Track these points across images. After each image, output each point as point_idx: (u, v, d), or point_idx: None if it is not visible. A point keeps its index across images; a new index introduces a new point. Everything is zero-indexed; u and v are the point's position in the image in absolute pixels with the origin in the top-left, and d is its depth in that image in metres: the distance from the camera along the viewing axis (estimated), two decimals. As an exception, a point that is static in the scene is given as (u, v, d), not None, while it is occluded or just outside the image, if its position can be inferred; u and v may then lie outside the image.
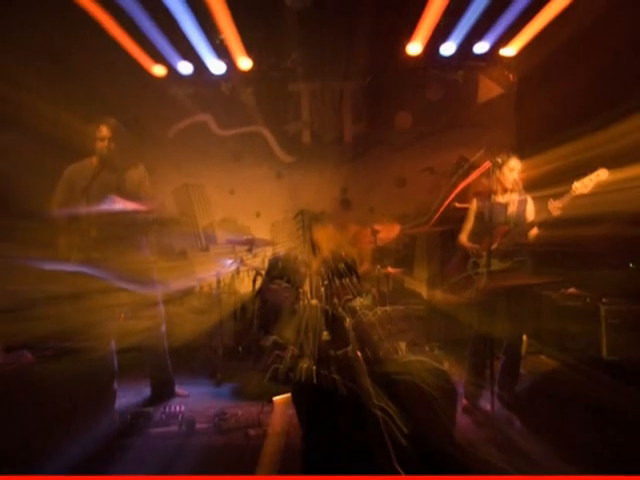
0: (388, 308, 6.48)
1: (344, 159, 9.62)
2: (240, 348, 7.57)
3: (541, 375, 6.54)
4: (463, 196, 6.63)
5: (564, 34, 6.88)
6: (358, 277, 6.05)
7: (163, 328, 5.98)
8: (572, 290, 7.27)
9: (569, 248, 6.35)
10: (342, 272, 5.87)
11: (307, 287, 6.36)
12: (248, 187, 9.59)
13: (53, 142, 6.16)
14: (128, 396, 5.96)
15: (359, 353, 4.81)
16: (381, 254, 8.00)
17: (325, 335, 5.32)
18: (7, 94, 6.04)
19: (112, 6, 6.95)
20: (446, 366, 6.43)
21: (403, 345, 6.72)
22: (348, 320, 5.47)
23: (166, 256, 8.66)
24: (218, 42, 8.30)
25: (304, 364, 4.52)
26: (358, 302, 6.06)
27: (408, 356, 5.61)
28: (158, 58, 8.50)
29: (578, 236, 5.94)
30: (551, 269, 6.49)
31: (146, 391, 6.08)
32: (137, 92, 8.67)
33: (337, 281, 5.82)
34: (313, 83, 9.52)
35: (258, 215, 9.62)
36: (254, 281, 7.81)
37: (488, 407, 5.37)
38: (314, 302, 5.80)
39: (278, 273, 6.77)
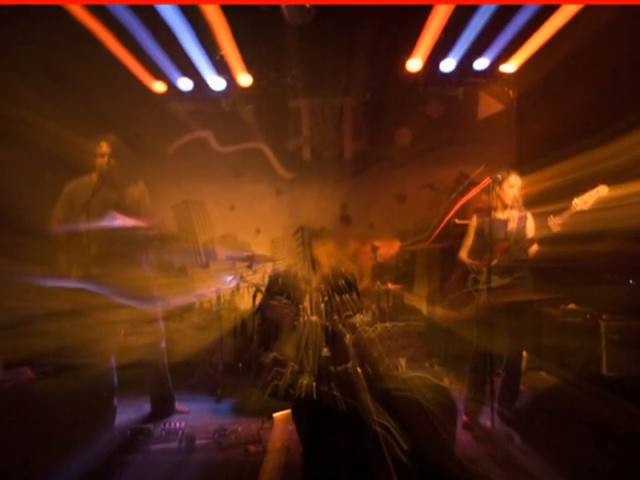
0: (388, 324, 6.49)
1: (344, 175, 9.62)
2: (240, 364, 7.56)
3: (541, 391, 6.52)
4: (463, 212, 6.65)
5: (564, 51, 6.90)
6: (358, 293, 6.07)
7: (163, 344, 5.97)
8: (572, 306, 7.27)
9: (569, 264, 6.35)
10: (342, 288, 5.89)
11: (307, 303, 6.37)
12: (248, 203, 9.60)
13: (53, 159, 6.19)
14: (128, 412, 5.92)
15: (359, 369, 4.81)
16: (381, 270, 7.99)
17: (325, 351, 5.33)
18: (8, 111, 6.06)
19: (112, 23, 6.97)
20: (446, 382, 6.42)
21: (403, 361, 6.72)
22: (348, 336, 5.48)
23: (166, 272, 8.64)
24: (218, 58, 8.32)
25: (304, 380, 4.53)
26: (358, 318, 6.08)
27: (408, 372, 5.62)
28: (158, 74, 8.54)
29: (578, 252, 5.95)
30: (551, 285, 6.49)
31: (146, 407, 6.06)
32: (137, 108, 8.67)
33: (337, 297, 5.84)
34: (313, 99, 9.55)
35: (258, 231, 9.62)
36: (254, 297, 7.79)
37: (488, 423, 5.36)
38: (314, 318, 5.82)
39: (278, 289, 6.76)
